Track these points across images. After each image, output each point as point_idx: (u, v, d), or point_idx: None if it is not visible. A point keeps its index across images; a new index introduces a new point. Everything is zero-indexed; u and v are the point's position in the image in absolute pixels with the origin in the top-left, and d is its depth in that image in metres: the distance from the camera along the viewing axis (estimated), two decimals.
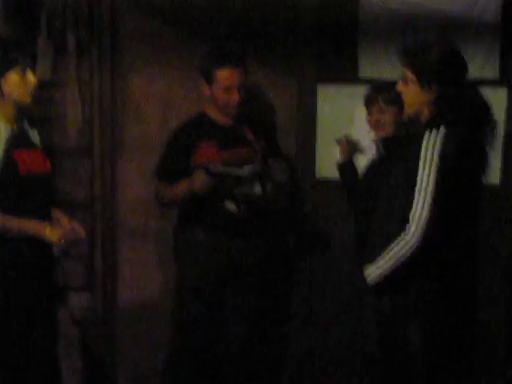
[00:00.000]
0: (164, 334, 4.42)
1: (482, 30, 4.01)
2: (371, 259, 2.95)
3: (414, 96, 3.02)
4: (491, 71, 4.04)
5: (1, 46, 3.32)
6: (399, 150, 3.17)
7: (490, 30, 4.01)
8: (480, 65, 3.99)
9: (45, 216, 3.41)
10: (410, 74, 3.00)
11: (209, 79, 3.86)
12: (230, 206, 3.87)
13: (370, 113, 3.73)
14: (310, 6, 4.19)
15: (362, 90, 3.89)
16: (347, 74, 4.20)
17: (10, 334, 3.36)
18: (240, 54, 3.90)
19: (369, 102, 3.73)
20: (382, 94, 3.67)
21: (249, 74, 3.94)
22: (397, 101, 3.29)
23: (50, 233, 3.33)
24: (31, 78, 3.34)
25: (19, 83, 3.31)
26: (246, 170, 3.81)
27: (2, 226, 3.26)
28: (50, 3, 4.20)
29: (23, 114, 3.44)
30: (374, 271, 2.93)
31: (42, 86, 4.10)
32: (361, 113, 3.90)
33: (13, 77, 3.30)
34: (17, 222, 3.30)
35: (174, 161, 3.91)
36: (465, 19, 4.03)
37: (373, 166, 3.77)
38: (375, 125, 3.71)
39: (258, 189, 3.89)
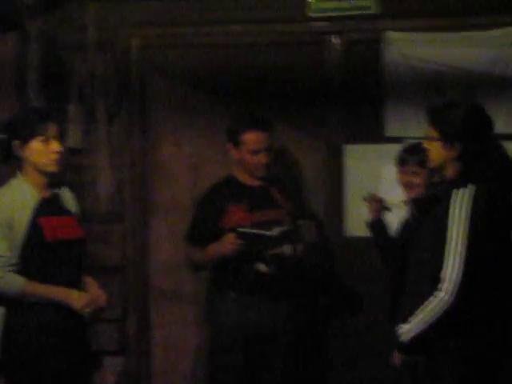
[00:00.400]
0: None
1: (505, 86, 4.04)
2: (404, 319, 2.94)
3: (437, 153, 3.04)
4: None
5: (26, 117, 3.40)
6: (430, 209, 3.17)
7: None
8: (505, 120, 4.01)
9: (74, 282, 3.44)
10: (433, 132, 3.03)
11: (236, 142, 3.92)
12: (261, 267, 3.88)
13: (401, 172, 3.75)
14: (337, 67, 4.25)
15: (388, 149, 3.92)
16: (374, 133, 4.23)
17: None
18: (267, 118, 3.96)
19: (401, 163, 3.74)
20: (414, 155, 3.68)
21: (276, 136, 3.99)
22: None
23: (75, 301, 3.35)
24: (55, 146, 3.40)
25: (42, 152, 3.37)
26: (275, 231, 3.83)
27: (27, 292, 3.29)
28: (81, 71, 4.29)
29: (58, 182, 3.50)
30: (408, 330, 2.92)
31: (73, 152, 4.23)
32: (388, 171, 3.93)
33: (36, 146, 3.37)
34: (41, 288, 3.32)
35: (204, 224, 3.94)
36: (488, 76, 4.06)
37: (406, 226, 3.77)
38: (406, 185, 3.72)
39: (288, 249, 3.90)
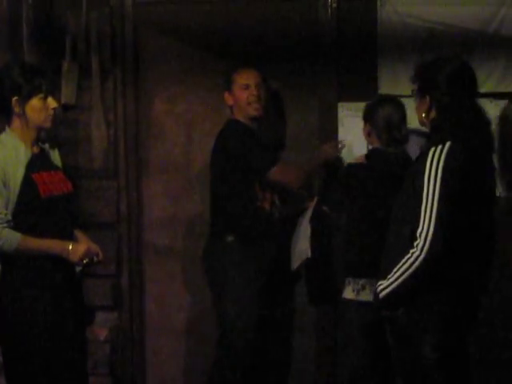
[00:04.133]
0: (192, 351, 4.46)
1: (500, 45, 4.03)
2: (385, 276, 2.97)
3: (416, 107, 3.09)
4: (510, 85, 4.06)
5: (25, 73, 3.40)
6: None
7: (507, 44, 4.03)
8: (498, 79, 4.01)
9: (67, 236, 3.47)
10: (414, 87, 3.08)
11: (229, 86, 4.06)
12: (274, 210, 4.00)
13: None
14: (331, 25, 4.23)
15: None
16: (368, 91, 4.22)
17: (38, 353, 3.40)
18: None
19: (367, 116, 3.80)
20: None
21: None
22: None
23: (71, 252, 3.38)
24: (52, 103, 3.42)
25: (41, 109, 3.39)
26: None
27: (23, 247, 3.32)
28: (74, 28, 4.28)
29: (44, 137, 3.51)
30: (385, 286, 2.96)
31: (67, 108, 4.23)
32: None
33: (35, 103, 3.38)
34: (37, 242, 3.35)
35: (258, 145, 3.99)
36: (482, 34, 4.05)
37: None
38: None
39: None
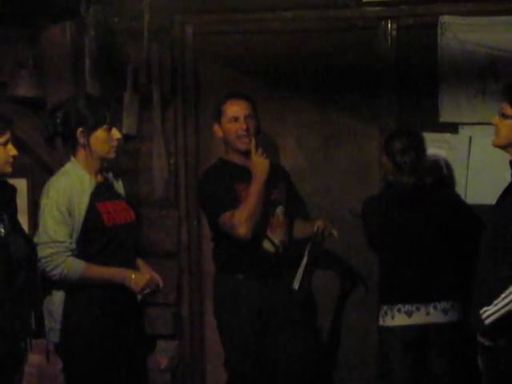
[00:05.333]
0: None
1: None
2: (482, 303, 2.97)
3: (506, 131, 3.11)
4: None
5: (90, 105, 3.46)
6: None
7: None
8: None
9: (130, 265, 3.51)
10: (508, 109, 3.07)
11: (218, 118, 3.94)
12: (268, 246, 3.91)
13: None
14: (391, 53, 4.21)
15: (443, 136, 3.90)
16: (428, 119, 4.19)
17: (98, 380, 3.43)
18: (245, 93, 3.99)
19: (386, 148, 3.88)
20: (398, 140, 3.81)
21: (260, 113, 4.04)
22: None
23: (134, 282, 3.42)
24: (117, 134, 3.48)
25: (105, 140, 3.45)
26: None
27: (87, 275, 3.36)
28: (135, 59, 4.33)
29: (107, 167, 3.56)
30: (493, 313, 2.94)
31: (128, 139, 4.28)
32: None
33: (100, 134, 3.44)
34: (101, 271, 3.39)
35: (225, 197, 3.87)
36: None
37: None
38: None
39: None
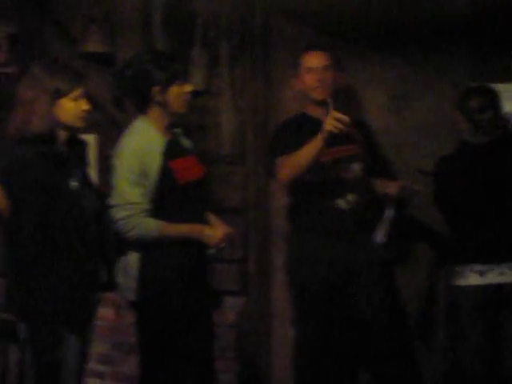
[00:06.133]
0: None
1: None
2: None
3: None
4: None
5: (161, 62, 3.45)
6: None
7: None
8: None
9: (202, 221, 3.52)
10: None
11: (297, 70, 3.99)
12: (341, 203, 3.88)
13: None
14: (466, 3, 4.10)
15: None
16: (502, 72, 4.09)
17: (171, 334, 3.47)
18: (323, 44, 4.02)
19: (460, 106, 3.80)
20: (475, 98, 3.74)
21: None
22: None
23: (210, 236, 3.43)
24: (189, 88, 3.48)
25: (180, 95, 3.45)
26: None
27: (163, 234, 3.38)
28: (204, 14, 4.31)
29: (176, 123, 3.56)
30: None
31: (196, 94, 4.27)
32: None
33: (175, 89, 3.43)
34: (177, 228, 3.42)
35: (291, 136, 3.90)
36: None
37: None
38: None
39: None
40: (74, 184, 3.17)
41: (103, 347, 4.50)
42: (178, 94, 3.43)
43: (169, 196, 3.41)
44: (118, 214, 3.33)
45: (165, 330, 3.45)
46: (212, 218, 3.62)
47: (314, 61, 3.95)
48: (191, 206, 3.49)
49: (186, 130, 3.68)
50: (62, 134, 3.21)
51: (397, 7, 4.16)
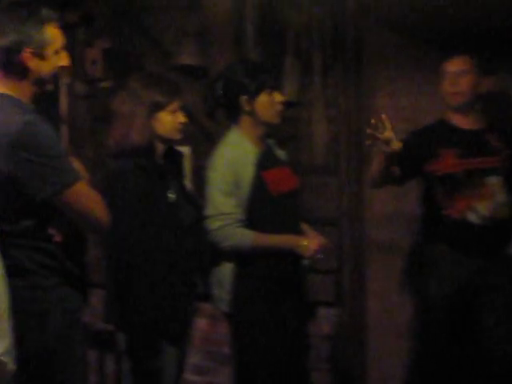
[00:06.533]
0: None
1: None
2: None
3: None
4: None
5: (250, 71, 3.46)
6: None
7: None
8: None
9: (296, 231, 3.51)
10: None
11: (442, 77, 3.86)
12: (473, 217, 3.77)
13: None
14: None
15: None
16: None
17: (263, 346, 3.46)
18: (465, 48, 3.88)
19: None
20: None
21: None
22: None
23: (305, 247, 3.42)
24: (279, 97, 3.47)
25: (269, 104, 3.44)
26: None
27: (257, 244, 3.38)
28: (297, 24, 4.30)
29: (270, 134, 3.56)
30: None
31: (289, 105, 4.27)
32: None
33: (263, 99, 3.43)
34: (271, 239, 3.41)
35: (410, 165, 3.82)
36: None
37: None
38: None
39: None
40: (171, 196, 3.20)
41: (197, 357, 4.52)
42: (267, 103, 3.43)
43: (262, 207, 3.41)
44: (213, 224, 3.35)
45: (258, 342, 3.45)
46: (306, 228, 3.60)
47: (450, 66, 3.84)
48: (285, 217, 3.48)
49: (279, 141, 3.69)
50: (160, 147, 3.25)
51: (497, 16, 4.08)
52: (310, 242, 3.45)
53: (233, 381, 3.60)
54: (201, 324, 4.35)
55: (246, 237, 3.36)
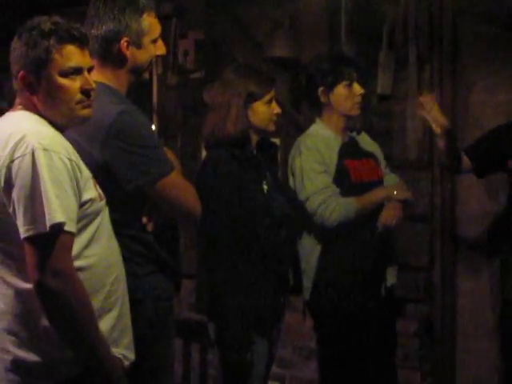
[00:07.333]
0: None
1: None
2: None
3: None
4: None
5: (328, 63, 3.48)
6: None
7: None
8: None
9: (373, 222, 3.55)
10: None
11: None
12: None
13: None
14: None
15: None
16: None
17: (346, 339, 3.46)
18: None
19: None
20: None
21: None
22: None
23: (398, 192, 3.54)
24: (358, 90, 3.46)
25: (347, 96, 3.45)
26: None
27: (361, 207, 3.44)
28: (392, 17, 4.24)
29: (352, 126, 3.60)
30: None
31: (383, 99, 4.22)
32: None
33: (340, 90, 3.45)
34: (368, 197, 3.49)
35: (492, 157, 3.75)
36: None
37: None
38: None
39: None
40: (265, 187, 3.20)
41: (284, 351, 4.51)
42: (344, 95, 3.46)
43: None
44: (315, 201, 3.38)
45: (340, 334, 3.43)
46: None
47: None
48: None
49: (372, 135, 3.66)
50: (254, 137, 3.25)
51: None
52: (397, 186, 3.56)
53: (318, 375, 3.58)
54: (288, 317, 4.34)
55: (349, 203, 3.40)
